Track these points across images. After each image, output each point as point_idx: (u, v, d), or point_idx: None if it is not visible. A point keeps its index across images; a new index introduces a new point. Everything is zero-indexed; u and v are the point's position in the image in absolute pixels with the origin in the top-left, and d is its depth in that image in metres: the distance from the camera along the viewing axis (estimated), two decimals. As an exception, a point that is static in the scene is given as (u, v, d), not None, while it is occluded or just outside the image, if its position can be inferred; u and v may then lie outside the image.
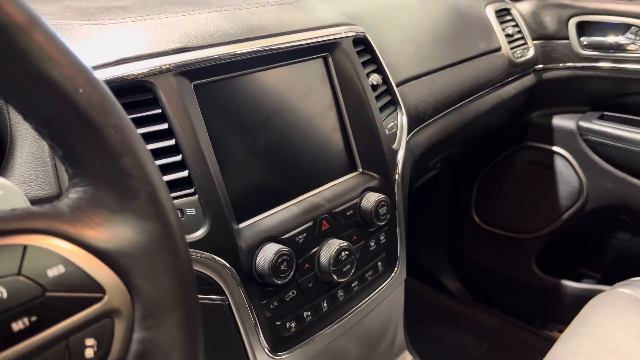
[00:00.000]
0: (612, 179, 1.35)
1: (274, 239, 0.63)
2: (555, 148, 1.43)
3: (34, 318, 0.27)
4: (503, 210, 1.61)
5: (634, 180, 1.32)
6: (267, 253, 0.61)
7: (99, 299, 0.29)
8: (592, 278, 1.53)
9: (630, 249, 1.42)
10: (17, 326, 0.26)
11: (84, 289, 0.29)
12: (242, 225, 0.63)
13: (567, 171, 1.43)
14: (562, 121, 1.41)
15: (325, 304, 0.69)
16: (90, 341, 0.29)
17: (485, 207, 1.63)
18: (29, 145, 0.51)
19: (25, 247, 0.27)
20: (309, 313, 0.67)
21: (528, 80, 1.35)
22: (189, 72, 0.59)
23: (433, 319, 1.73)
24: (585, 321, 1.08)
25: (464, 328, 1.67)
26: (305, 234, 0.66)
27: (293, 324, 0.66)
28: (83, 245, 0.29)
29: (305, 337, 0.68)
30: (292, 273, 0.62)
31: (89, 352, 0.29)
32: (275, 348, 0.64)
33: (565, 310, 1.14)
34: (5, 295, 0.26)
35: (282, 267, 0.61)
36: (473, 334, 1.64)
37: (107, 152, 0.30)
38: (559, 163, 1.44)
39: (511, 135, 1.50)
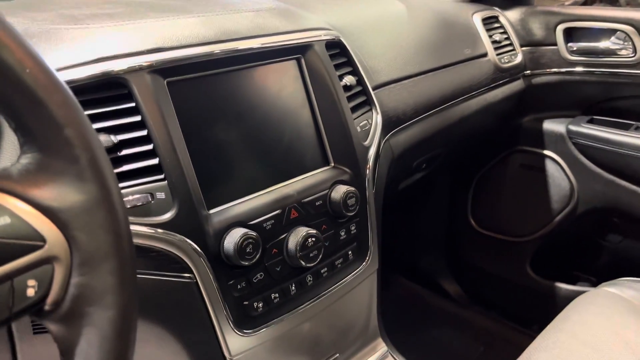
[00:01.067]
0: (601, 181, 1.37)
1: (242, 224, 0.68)
2: (546, 152, 1.46)
3: None
4: (498, 213, 1.63)
5: (623, 183, 1.33)
6: (234, 236, 0.66)
7: (40, 247, 0.35)
8: (586, 280, 1.54)
9: (622, 251, 1.44)
10: None
11: (26, 237, 0.34)
12: (212, 211, 0.68)
13: (558, 174, 1.45)
14: (552, 125, 1.44)
15: (293, 287, 0.74)
16: (32, 282, 0.34)
17: (481, 211, 1.66)
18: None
19: None
20: (277, 295, 0.72)
21: (517, 85, 1.38)
22: (162, 70, 0.65)
23: (430, 321, 1.75)
24: (567, 318, 1.10)
25: (461, 330, 1.69)
26: (273, 221, 0.71)
27: (260, 305, 0.71)
28: (28, 200, 0.35)
29: (273, 318, 0.72)
30: (257, 256, 0.67)
31: (30, 292, 0.34)
32: (242, 326, 0.69)
33: (559, 313, 1.16)
34: None
35: (248, 250, 0.66)
36: (470, 336, 1.66)
37: (52, 124, 0.36)
38: (550, 166, 1.46)
39: (503, 139, 1.53)
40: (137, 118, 0.62)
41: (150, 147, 0.62)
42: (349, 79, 0.87)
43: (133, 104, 0.62)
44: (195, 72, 0.69)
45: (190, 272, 0.64)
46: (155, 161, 0.62)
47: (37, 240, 0.35)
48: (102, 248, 0.37)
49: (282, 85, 0.79)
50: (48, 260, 0.35)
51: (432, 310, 1.79)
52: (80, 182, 0.37)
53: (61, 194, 0.36)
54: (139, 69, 0.63)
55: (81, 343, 0.36)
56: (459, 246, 1.76)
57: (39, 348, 0.65)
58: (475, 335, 1.67)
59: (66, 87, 0.37)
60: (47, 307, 0.36)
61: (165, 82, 0.66)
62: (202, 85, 0.70)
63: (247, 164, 0.74)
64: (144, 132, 0.62)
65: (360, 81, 0.90)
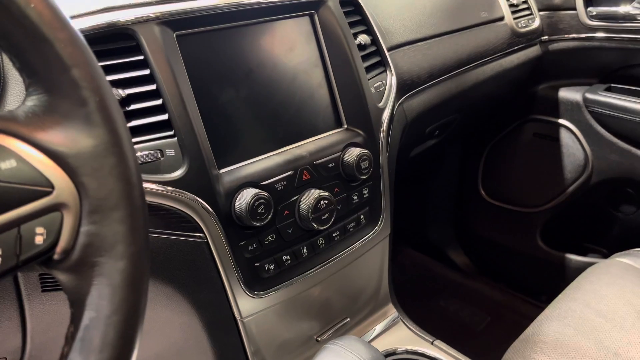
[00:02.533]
0: (617, 151, 1.34)
1: (253, 184, 0.67)
2: (561, 121, 1.42)
3: None
4: (509, 184, 1.61)
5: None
6: (245, 196, 0.64)
7: (48, 193, 0.33)
8: (596, 252, 1.52)
9: (635, 222, 1.41)
10: None
11: (33, 182, 0.32)
12: (222, 170, 0.66)
13: (572, 144, 1.42)
14: (569, 93, 1.40)
15: (305, 250, 0.72)
16: (40, 229, 0.33)
17: (492, 182, 1.64)
18: None
19: None
20: (288, 257, 0.71)
21: (533, 51, 1.34)
22: (171, 22, 0.62)
23: (438, 291, 1.75)
24: (579, 287, 1.09)
25: (468, 301, 1.69)
26: (285, 182, 0.69)
27: (272, 266, 0.69)
28: (35, 144, 0.33)
29: (284, 280, 0.71)
30: (269, 217, 0.65)
31: (39, 239, 0.33)
32: (253, 287, 0.68)
33: (569, 284, 1.15)
34: None
35: (260, 210, 0.64)
36: (477, 306, 1.66)
37: (58, 63, 0.34)
38: (564, 136, 1.43)
39: (517, 108, 1.49)
40: (146, 72, 0.60)
41: (159, 102, 0.60)
42: (363, 38, 0.84)
43: (141, 57, 0.60)
44: (204, 25, 0.66)
45: (201, 231, 0.63)
46: (164, 117, 0.60)
47: (45, 186, 0.33)
48: (112, 196, 0.35)
49: (295, 42, 0.76)
50: (56, 208, 0.33)
51: (439, 281, 1.79)
52: (89, 126, 0.35)
53: (69, 138, 0.34)
54: (147, 20, 0.60)
55: (92, 293, 0.34)
56: (468, 217, 1.75)
57: (47, 306, 0.64)
58: (482, 305, 1.67)
59: (73, 25, 0.35)
60: (56, 256, 0.34)
61: (174, 35, 0.63)
62: (212, 40, 0.67)
63: (258, 123, 0.72)
64: (152, 87, 0.60)
65: (374, 41, 0.86)
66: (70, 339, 0.34)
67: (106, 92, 0.36)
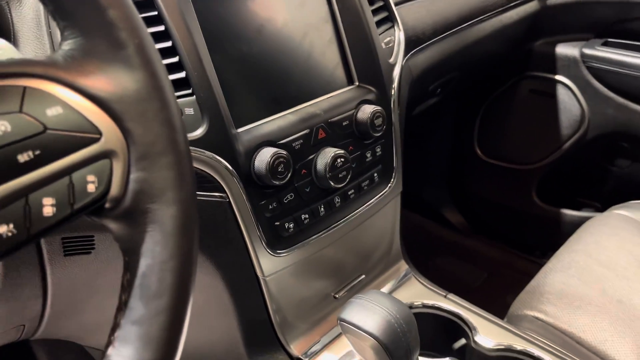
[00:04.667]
0: (613, 105, 1.35)
1: (271, 143, 0.66)
2: (558, 77, 1.43)
3: (37, 152, 0.30)
4: (505, 142, 1.62)
5: (636, 107, 1.32)
6: (265, 155, 0.64)
7: (96, 140, 0.32)
8: (591, 206, 1.55)
9: (630, 176, 1.44)
10: (22, 158, 0.29)
11: (81, 129, 0.31)
12: (240, 130, 0.65)
13: (568, 100, 1.43)
14: (565, 49, 1.40)
15: (322, 209, 0.72)
16: (91, 177, 0.32)
17: (488, 140, 1.65)
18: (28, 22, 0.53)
19: (24, 89, 0.30)
20: (307, 216, 0.71)
21: (532, 6, 1.33)
22: (184, -23, 0.60)
23: (434, 250, 1.78)
24: (580, 239, 1.11)
25: (464, 259, 1.72)
26: (301, 141, 0.69)
27: (292, 225, 0.69)
28: (78, 90, 0.32)
29: (303, 239, 0.71)
30: (289, 175, 0.65)
31: (91, 187, 0.32)
32: (274, 246, 0.68)
33: (564, 239, 1.17)
34: (9, 128, 0.29)
35: (280, 169, 0.64)
36: (474, 264, 1.69)
37: (94, 3, 0.32)
38: (560, 92, 1.44)
39: (513, 65, 1.49)
40: (161, 28, 0.58)
41: (176, 59, 0.59)
42: (372, -7, 0.82)
43: (156, 12, 0.58)
44: (216, -20, 0.64)
45: (223, 191, 0.62)
46: (182, 75, 0.59)
47: (92, 132, 0.32)
48: (158, 141, 0.34)
49: (304, -3, 0.74)
50: (106, 155, 0.32)
51: (434, 241, 1.81)
52: (130, 70, 0.34)
53: (112, 82, 0.33)
54: (160, -26, 0.58)
55: (146, 241, 0.34)
56: (464, 176, 1.76)
57: (69, 270, 0.63)
58: (478, 262, 1.70)
59: None
60: (107, 205, 0.33)
61: (186, -11, 0.61)
62: (224, -5, 0.65)
63: (271, 81, 0.70)
64: (168, 44, 0.58)
65: (382, -4, 0.85)
66: (127, 286, 0.34)
67: (144, 34, 0.35)
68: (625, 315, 0.90)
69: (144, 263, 0.34)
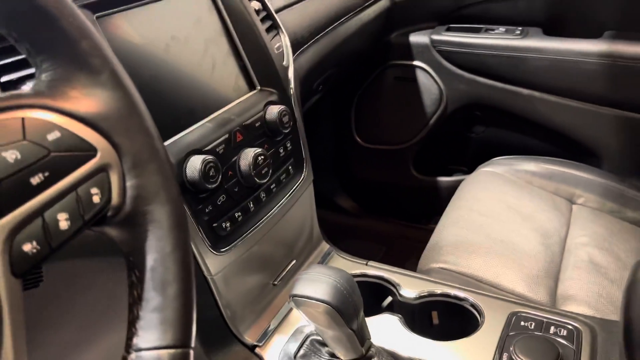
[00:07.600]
0: (464, 81, 1.57)
1: (198, 151, 0.71)
2: (415, 62, 1.62)
3: (47, 173, 0.33)
4: (379, 127, 1.79)
5: (481, 79, 1.54)
6: (195, 162, 0.68)
7: (93, 156, 0.36)
8: (460, 171, 1.78)
9: (486, 139, 1.68)
10: (34, 180, 0.33)
11: (79, 148, 0.36)
12: (165, 143, 0.69)
13: (427, 81, 1.63)
14: (417, 37, 1.59)
15: (252, 205, 0.78)
16: (94, 189, 0.36)
17: (364, 127, 1.80)
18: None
19: (23, 119, 0.33)
20: (240, 214, 0.76)
21: (383, 4, 1.50)
22: (90, 4, 0.63)
23: (331, 237, 1.90)
24: (461, 197, 1.29)
25: (361, 239, 1.86)
26: (223, 145, 0.74)
27: (228, 224, 0.74)
28: (68, 114, 0.36)
29: (240, 235, 0.77)
30: (219, 179, 0.70)
31: (96, 199, 0.36)
32: (216, 245, 0.73)
33: (444, 203, 1.35)
34: (19, 155, 0.32)
35: (211, 173, 0.69)
36: (371, 241, 1.84)
37: (68, 36, 0.36)
38: (420, 75, 1.63)
39: (377, 56, 1.66)
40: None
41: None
42: (255, 4, 0.89)
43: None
44: (120, 5, 0.67)
45: (163, 202, 0.66)
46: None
47: (89, 150, 0.36)
48: (144, 150, 0.39)
49: (198, 16, 0.79)
50: (103, 168, 0.37)
51: (334, 227, 1.93)
52: (110, 91, 0.38)
53: (96, 104, 0.37)
54: (71, 4, 0.60)
55: (150, 238, 0.39)
56: (349, 163, 1.90)
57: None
58: (375, 239, 1.86)
59: (71, 1, 0.37)
60: (109, 213, 0.37)
61: (94, 17, 0.63)
62: (127, 19, 0.68)
63: (184, 94, 0.75)
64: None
65: (264, 5, 0.93)
66: (138, 282, 0.38)
67: (114, 58, 0.39)
68: (509, 252, 1.07)
69: (150, 258, 0.39)
